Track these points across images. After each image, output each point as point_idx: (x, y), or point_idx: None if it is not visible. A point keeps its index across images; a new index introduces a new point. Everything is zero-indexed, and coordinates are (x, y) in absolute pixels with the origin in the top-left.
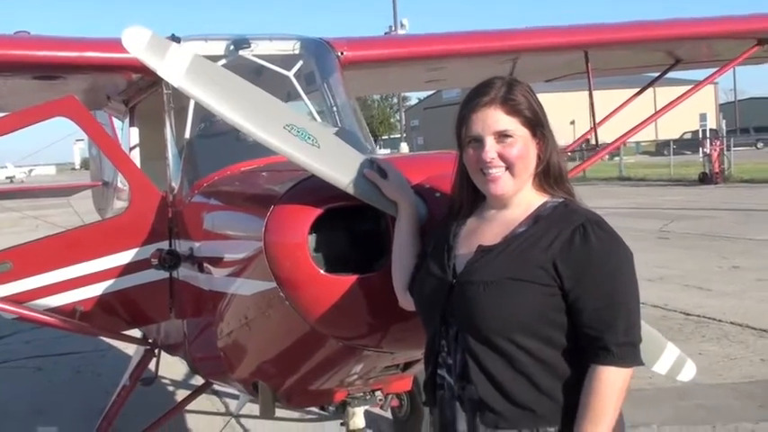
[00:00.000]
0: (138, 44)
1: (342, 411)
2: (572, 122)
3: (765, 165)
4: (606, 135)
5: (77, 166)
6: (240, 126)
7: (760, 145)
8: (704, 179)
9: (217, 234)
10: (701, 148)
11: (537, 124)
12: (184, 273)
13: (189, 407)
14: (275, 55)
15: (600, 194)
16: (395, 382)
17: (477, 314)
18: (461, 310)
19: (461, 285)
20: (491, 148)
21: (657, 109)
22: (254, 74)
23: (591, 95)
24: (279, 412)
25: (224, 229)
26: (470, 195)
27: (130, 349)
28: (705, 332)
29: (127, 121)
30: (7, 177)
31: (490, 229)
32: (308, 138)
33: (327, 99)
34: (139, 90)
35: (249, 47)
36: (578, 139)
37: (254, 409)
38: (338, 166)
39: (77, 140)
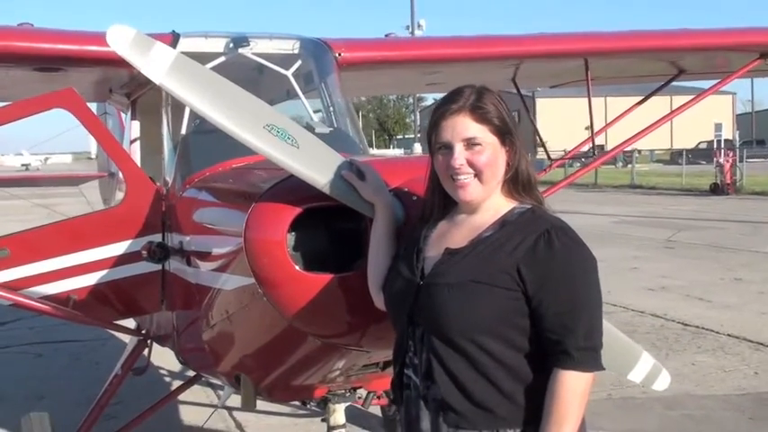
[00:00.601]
0: (122, 41)
1: (323, 407)
2: (587, 128)
3: None
4: (618, 142)
5: (93, 156)
6: (220, 125)
7: None
8: (715, 190)
9: (203, 228)
10: (714, 159)
11: (506, 132)
12: (174, 265)
13: (180, 397)
14: (274, 54)
15: (610, 202)
16: (375, 381)
17: (441, 315)
18: (427, 311)
19: (427, 287)
20: (460, 155)
21: (673, 118)
22: (253, 72)
23: (590, 103)
24: (270, 406)
25: (210, 224)
26: (441, 200)
27: (129, 339)
28: (701, 343)
29: (129, 114)
30: (23, 165)
31: (459, 233)
32: (288, 138)
33: (324, 99)
34: (141, 84)
35: (249, 45)
36: (576, 146)
37: (238, 401)
38: (316, 167)
39: None
